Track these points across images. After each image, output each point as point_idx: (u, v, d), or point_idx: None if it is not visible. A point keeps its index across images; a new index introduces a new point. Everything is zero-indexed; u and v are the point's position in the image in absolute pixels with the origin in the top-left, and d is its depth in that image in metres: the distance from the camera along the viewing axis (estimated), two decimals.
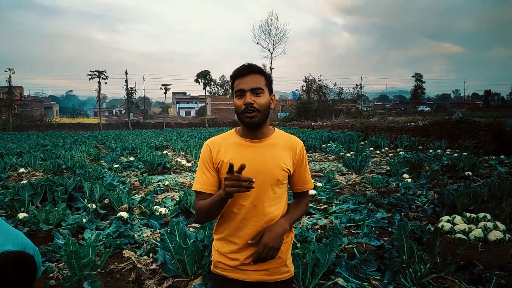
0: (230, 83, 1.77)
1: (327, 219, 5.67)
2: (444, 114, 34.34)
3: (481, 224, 4.03)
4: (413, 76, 64.42)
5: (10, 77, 45.96)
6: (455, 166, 9.39)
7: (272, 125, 1.80)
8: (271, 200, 1.66)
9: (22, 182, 7.82)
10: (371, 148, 16.05)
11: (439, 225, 4.16)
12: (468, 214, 4.43)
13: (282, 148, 1.70)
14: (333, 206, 6.32)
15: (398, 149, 15.75)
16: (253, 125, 1.64)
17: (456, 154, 12.62)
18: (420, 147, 16.06)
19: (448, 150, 14.53)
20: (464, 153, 12.96)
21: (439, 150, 14.29)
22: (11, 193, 6.25)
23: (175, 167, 11.65)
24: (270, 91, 1.69)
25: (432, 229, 4.60)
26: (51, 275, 3.80)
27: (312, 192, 7.09)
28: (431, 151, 14.28)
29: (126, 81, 51.96)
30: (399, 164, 9.92)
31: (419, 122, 23.43)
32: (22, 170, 10.97)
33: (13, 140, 24.83)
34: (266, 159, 1.66)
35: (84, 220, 5.29)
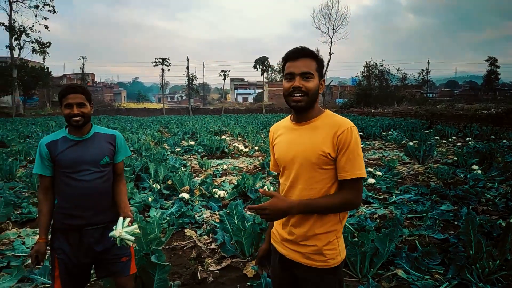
0: (281, 65, 1.77)
1: (386, 209, 5.51)
2: None
3: None
4: (486, 60, 59.29)
5: (83, 64, 49.66)
6: None
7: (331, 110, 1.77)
8: (307, 183, 1.65)
9: None
10: (437, 137, 15.15)
11: None
12: None
13: (323, 132, 1.63)
14: (393, 196, 6.11)
15: (467, 139, 14.69)
16: (298, 108, 1.66)
17: None
18: (492, 136, 14.85)
19: None
20: None
21: None
22: None
23: (233, 152, 11.92)
24: (321, 75, 1.68)
25: (504, 224, 4.30)
26: None
27: (371, 180, 6.91)
28: (504, 141, 13.15)
29: (187, 67, 53.73)
30: (468, 154, 9.28)
31: (492, 110, 21.67)
32: None
33: None
34: (303, 142, 1.67)
35: (150, 199, 5.64)
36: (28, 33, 38.96)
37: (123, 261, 2.25)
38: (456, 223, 4.76)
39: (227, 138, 16.34)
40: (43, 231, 2.19)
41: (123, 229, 2.02)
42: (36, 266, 2.28)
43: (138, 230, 2.08)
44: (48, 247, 2.22)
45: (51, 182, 2.20)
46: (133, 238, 2.03)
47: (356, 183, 1.60)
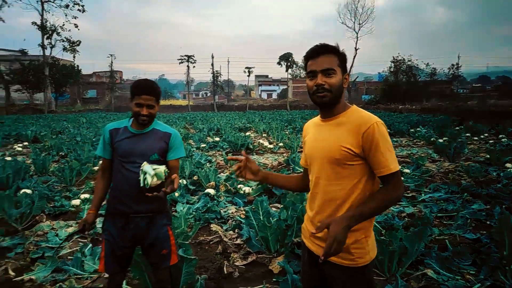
0: (303, 63, 1.76)
1: (415, 207, 5.39)
2: None
3: None
4: None
5: (111, 62, 50.83)
6: None
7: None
8: (331, 179, 1.65)
9: None
10: (468, 134, 14.66)
11: None
12: None
13: (347, 128, 1.62)
14: (422, 194, 5.97)
15: (500, 136, 14.14)
16: (323, 104, 1.66)
17: None
18: None
19: None
20: None
21: None
22: None
23: (257, 148, 11.95)
24: (344, 70, 1.67)
25: None
26: None
27: None
28: None
29: (212, 64, 54.02)
30: (501, 152, 8.95)
31: None
32: None
33: (115, 119, 27.52)
34: (327, 137, 1.67)
35: (176, 194, 5.72)
36: (59, 32, 40.19)
37: (163, 253, 2.34)
38: (488, 222, 4.61)
39: (252, 135, 16.38)
40: (95, 204, 2.35)
41: (150, 165, 2.10)
42: (82, 233, 2.40)
43: (163, 171, 2.09)
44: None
45: (109, 165, 2.34)
46: (152, 172, 2.06)
47: (394, 177, 1.57)
